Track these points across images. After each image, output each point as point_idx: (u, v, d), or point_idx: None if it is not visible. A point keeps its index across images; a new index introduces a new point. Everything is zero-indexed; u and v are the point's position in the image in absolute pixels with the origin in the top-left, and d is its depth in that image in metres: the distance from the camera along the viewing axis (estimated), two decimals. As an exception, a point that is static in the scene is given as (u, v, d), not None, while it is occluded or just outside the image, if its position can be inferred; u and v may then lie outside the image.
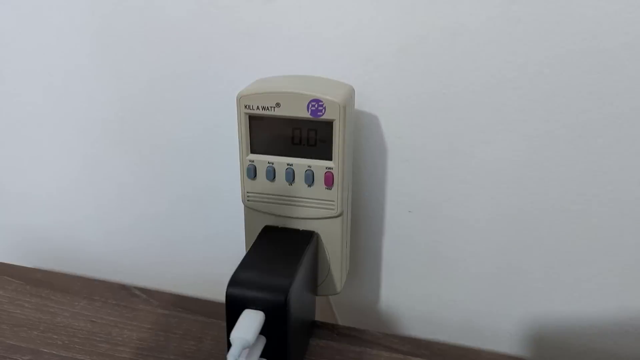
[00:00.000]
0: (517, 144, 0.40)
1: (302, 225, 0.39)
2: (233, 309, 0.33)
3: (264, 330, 0.33)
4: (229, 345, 0.31)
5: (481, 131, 0.40)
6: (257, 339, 0.33)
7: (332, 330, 0.42)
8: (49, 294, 0.45)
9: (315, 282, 0.41)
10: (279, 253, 0.36)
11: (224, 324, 0.41)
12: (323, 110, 0.35)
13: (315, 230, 0.39)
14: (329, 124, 0.36)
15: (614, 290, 0.42)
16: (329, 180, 0.37)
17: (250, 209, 0.40)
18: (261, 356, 0.33)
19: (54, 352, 0.39)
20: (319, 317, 0.44)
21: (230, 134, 0.45)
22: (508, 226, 0.43)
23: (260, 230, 0.39)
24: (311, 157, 0.37)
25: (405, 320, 0.49)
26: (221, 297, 0.44)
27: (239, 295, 0.33)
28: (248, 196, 0.39)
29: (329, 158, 0.37)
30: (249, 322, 0.31)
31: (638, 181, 0.39)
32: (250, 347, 0.31)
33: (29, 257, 0.56)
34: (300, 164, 0.37)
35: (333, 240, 0.39)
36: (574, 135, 0.39)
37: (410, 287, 0.48)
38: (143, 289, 0.46)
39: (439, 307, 0.48)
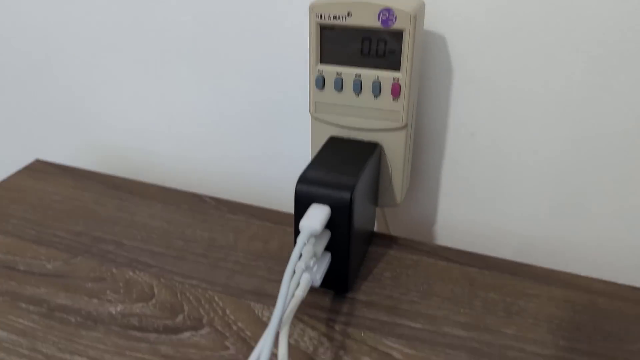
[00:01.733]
0: (587, 65, 0.39)
1: (366, 137, 0.40)
2: (301, 204, 0.35)
3: (329, 226, 0.35)
4: (297, 233, 0.33)
5: (551, 54, 0.40)
6: (323, 231, 0.35)
7: (390, 240, 0.44)
8: (127, 197, 0.49)
9: (376, 193, 0.42)
10: (343, 159, 0.38)
11: (290, 229, 0.44)
12: (394, 19, 0.36)
13: (379, 142, 0.40)
14: (398, 34, 0.37)
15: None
16: (395, 91, 0.38)
17: (317, 120, 0.41)
18: (326, 249, 0.35)
19: (134, 244, 0.43)
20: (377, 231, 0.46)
21: (300, 46, 0.47)
22: (572, 152, 0.43)
23: (325, 140, 0.41)
24: (379, 68, 0.38)
25: (458, 243, 0.50)
26: (286, 208, 0.47)
27: (307, 192, 0.35)
28: (316, 106, 0.41)
29: (397, 69, 0.38)
30: (317, 213, 0.33)
31: None
32: (317, 237, 0.34)
33: (107, 171, 0.60)
34: (368, 74, 0.38)
35: (396, 152, 0.41)
36: (650, 54, 0.38)
37: (468, 209, 0.48)
38: (213, 197, 0.49)
39: (495, 232, 0.49)
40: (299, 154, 0.51)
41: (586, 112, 0.41)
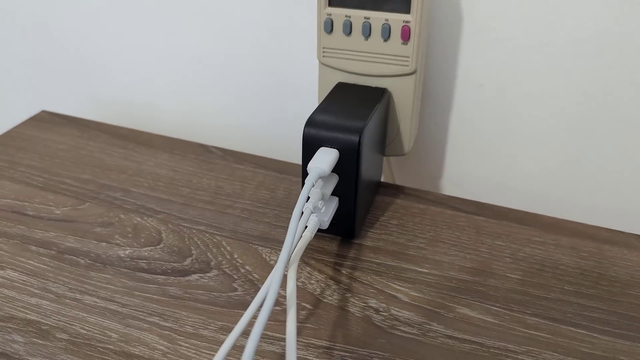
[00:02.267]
0: (600, 14, 0.38)
1: (375, 83, 0.40)
2: (309, 147, 0.35)
3: (337, 170, 0.35)
4: (305, 176, 0.33)
5: (563, 3, 0.39)
6: (331, 175, 0.35)
7: (397, 189, 0.43)
8: (134, 147, 0.49)
9: (384, 142, 0.42)
10: (351, 104, 0.37)
11: (296, 179, 0.44)
12: (405, -41, 0.35)
13: (388, 88, 0.40)
14: (409, -25, 0.36)
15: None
16: (405, 35, 0.37)
17: (325, 66, 0.41)
18: (333, 194, 0.35)
19: (141, 191, 0.43)
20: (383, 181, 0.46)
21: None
22: (582, 105, 0.42)
23: (333, 87, 0.41)
24: (389, 11, 0.37)
25: (466, 194, 0.50)
26: (293, 159, 0.46)
27: (315, 135, 0.34)
28: (324, 52, 0.40)
29: (407, 11, 0.37)
30: (325, 156, 0.33)
31: None
32: (324, 179, 0.34)
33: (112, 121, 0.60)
34: (378, 17, 0.37)
35: (405, 99, 0.40)
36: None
37: (476, 162, 0.48)
38: (219, 148, 0.48)
39: (502, 185, 0.48)
40: (306, 106, 0.51)
41: (597, 63, 0.40)
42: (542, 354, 0.30)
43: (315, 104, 0.43)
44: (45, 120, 0.53)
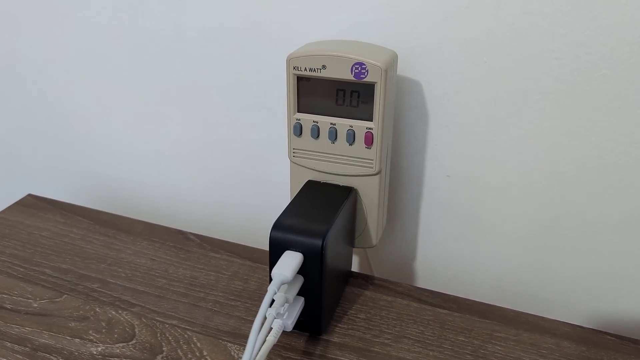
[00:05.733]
0: (554, 113, 0.41)
1: (342, 181, 0.42)
2: (275, 250, 0.36)
3: (303, 271, 0.36)
4: (271, 280, 0.35)
5: (518, 100, 0.42)
6: (296, 277, 0.36)
7: (367, 280, 0.45)
8: (114, 233, 0.50)
9: (353, 234, 0.44)
10: (319, 204, 0.39)
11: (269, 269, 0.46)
12: (366, 73, 0.38)
13: (355, 187, 0.42)
14: (370, 86, 0.38)
15: (645, 260, 0.43)
16: (368, 140, 0.40)
17: (296, 164, 0.43)
18: (298, 294, 0.37)
19: (118, 282, 0.44)
20: (356, 270, 0.47)
21: (279, 95, 0.49)
22: (543, 192, 0.44)
23: (303, 184, 0.43)
24: (353, 118, 0.40)
25: (438, 279, 0.52)
26: (267, 245, 0.48)
27: (281, 238, 0.36)
28: (294, 152, 0.42)
29: (370, 119, 0.39)
30: (289, 261, 0.35)
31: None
32: (289, 283, 0.35)
33: (95, 202, 0.62)
34: (343, 123, 0.40)
35: (370, 197, 0.42)
36: (613, 107, 0.39)
37: (445, 248, 0.50)
38: (197, 235, 0.50)
39: (472, 269, 0.50)
40: (281, 188, 0.53)
41: (556, 150, 0.43)
42: None
43: (289, 190, 0.44)
44: (31, 205, 0.55)
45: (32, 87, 0.60)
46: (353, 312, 0.42)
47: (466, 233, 0.49)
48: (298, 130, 0.41)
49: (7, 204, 0.56)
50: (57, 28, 0.55)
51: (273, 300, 0.34)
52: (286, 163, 0.49)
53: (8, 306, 0.42)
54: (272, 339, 0.34)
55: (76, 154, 0.62)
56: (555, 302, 0.48)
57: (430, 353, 0.38)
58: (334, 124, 0.40)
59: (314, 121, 0.41)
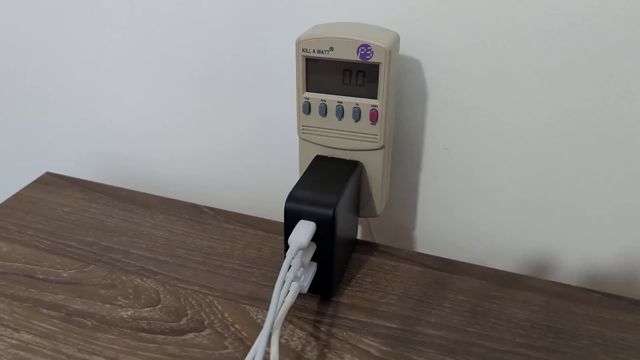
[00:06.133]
0: (550, 90, 0.44)
1: (348, 156, 0.45)
2: (290, 220, 0.40)
3: (315, 239, 0.40)
4: (287, 247, 0.38)
5: (515, 77, 0.45)
6: (309, 244, 0.39)
7: (372, 247, 0.48)
8: (132, 208, 0.53)
9: (358, 205, 0.47)
10: (328, 177, 0.42)
11: (281, 238, 0.49)
12: (371, 54, 0.41)
13: (360, 160, 0.45)
14: (375, 67, 0.41)
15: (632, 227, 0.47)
16: (373, 117, 0.43)
17: (304, 141, 0.46)
18: (312, 260, 0.40)
19: (140, 253, 0.47)
20: (360, 239, 0.50)
21: (287, 75, 0.51)
22: (537, 164, 0.48)
23: (312, 159, 0.46)
24: (359, 96, 0.43)
25: (437, 245, 0.55)
26: (278, 217, 0.51)
27: (295, 209, 0.39)
28: (303, 130, 0.45)
29: (375, 97, 0.42)
30: (304, 229, 0.38)
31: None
32: (304, 250, 0.38)
33: (109, 181, 0.65)
34: (349, 101, 0.43)
35: (375, 170, 0.45)
36: (609, 88, 0.42)
37: (443, 217, 0.53)
38: (211, 208, 0.53)
39: (468, 235, 0.53)
40: (289, 166, 0.56)
41: (551, 130, 0.46)
42: (493, 403, 0.35)
43: (297, 168, 0.47)
44: (50, 182, 0.57)
45: (46, 68, 0.62)
46: (360, 276, 0.45)
47: (462, 202, 0.52)
48: (307, 108, 0.44)
49: (24, 182, 0.59)
50: (68, 9, 0.57)
51: (290, 266, 0.37)
52: (293, 141, 0.52)
53: (40, 276, 0.45)
54: (290, 299, 0.37)
55: (88, 134, 0.64)
56: (546, 264, 0.51)
57: (432, 311, 0.42)
58: (341, 102, 0.43)
59: (321, 100, 0.43)
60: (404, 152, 0.51)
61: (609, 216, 0.47)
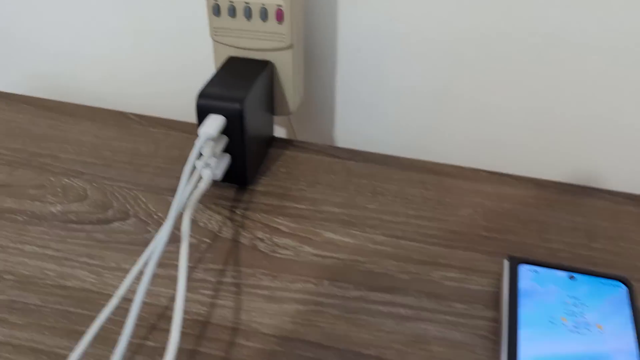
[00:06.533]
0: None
1: (259, 56, 0.48)
2: (202, 116, 0.43)
3: (227, 133, 0.43)
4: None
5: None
6: (221, 137, 0.43)
7: (288, 143, 0.52)
8: (59, 117, 0.55)
9: (272, 103, 0.50)
10: (238, 76, 0.45)
11: (201, 137, 0.52)
12: (271, -47, 0.42)
13: (271, 60, 0.48)
14: (277, -34, 0.43)
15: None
16: (279, 16, 0.45)
17: (217, 42, 0.48)
18: (227, 152, 0.44)
19: (68, 157, 0.50)
20: (283, 136, 0.54)
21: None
22: (442, 57, 0.51)
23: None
24: (264, -4, 0.45)
25: (354, 143, 0.60)
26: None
27: (206, 105, 0.42)
28: (215, 31, 0.47)
29: (279, -3, 0.44)
30: (212, 122, 0.41)
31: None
32: (215, 141, 0.42)
33: (39, 94, 0.65)
34: (256, 2, 0.45)
35: (285, 69, 0.48)
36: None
37: (359, 115, 0.57)
38: (135, 114, 0.56)
39: (383, 130, 0.58)
40: (209, 68, 0.58)
41: (464, 13, 0.49)
42: (383, 262, 0.41)
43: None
44: (-26, 96, 0.58)
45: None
46: (275, 167, 0.49)
47: (378, 98, 0.56)
48: (217, 10, 0.46)
49: (-50, 97, 0.59)
50: None
51: (201, 154, 0.41)
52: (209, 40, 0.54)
53: (-30, 181, 0.47)
54: (203, 185, 0.41)
55: (11, 50, 0.64)
56: (444, 152, 0.57)
57: (337, 193, 0.46)
58: (248, 3, 0.45)
59: (229, 1, 0.45)
60: (318, 53, 0.54)
61: (508, 107, 0.52)
